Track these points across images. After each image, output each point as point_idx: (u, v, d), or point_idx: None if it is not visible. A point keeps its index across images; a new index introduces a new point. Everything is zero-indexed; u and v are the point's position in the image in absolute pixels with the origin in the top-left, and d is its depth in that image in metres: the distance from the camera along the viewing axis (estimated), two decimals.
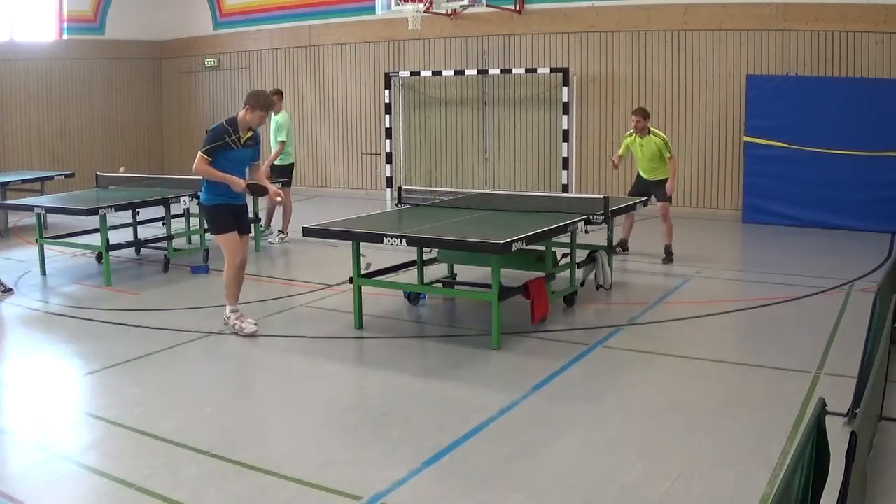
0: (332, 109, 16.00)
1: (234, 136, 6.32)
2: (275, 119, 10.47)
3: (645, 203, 8.82)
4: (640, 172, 9.36)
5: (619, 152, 9.52)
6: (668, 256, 9.13)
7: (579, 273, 7.55)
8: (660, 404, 4.97)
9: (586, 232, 7.35)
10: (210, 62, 17.44)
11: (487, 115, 14.37)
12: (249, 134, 6.44)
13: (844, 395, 4.54)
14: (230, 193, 6.35)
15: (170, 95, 18.36)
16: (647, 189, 9.23)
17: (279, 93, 10.81)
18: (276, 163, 10.59)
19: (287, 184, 10.65)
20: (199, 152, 6.26)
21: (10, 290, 7.98)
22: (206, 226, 6.84)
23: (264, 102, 6.38)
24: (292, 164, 11.02)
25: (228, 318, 6.48)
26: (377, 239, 6.34)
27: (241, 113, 6.33)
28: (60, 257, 9.76)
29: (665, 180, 9.12)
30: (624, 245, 9.57)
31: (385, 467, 4.08)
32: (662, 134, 9.36)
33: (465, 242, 6.19)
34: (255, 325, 6.48)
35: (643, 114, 9.16)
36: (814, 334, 6.25)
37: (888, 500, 3.67)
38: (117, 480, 3.94)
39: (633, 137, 9.22)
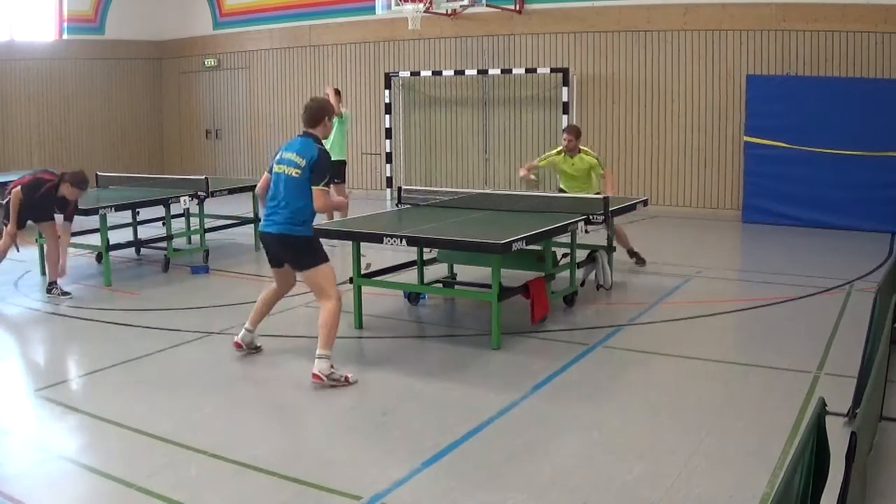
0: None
1: None
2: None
3: (645, 203, 8.81)
4: (564, 189, 8.77)
5: (538, 163, 8.90)
6: (636, 257, 8.78)
7: (579, 273, 7.55)
8: (660, 404, 4.97)
9: (586, 232, 7.35)
10: (210, 62, 17.45)
11: (487, 115, 14.38)
12: None
13: (844, 395, 4.54)
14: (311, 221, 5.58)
15: (170, 95, 18.36)
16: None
17: (338, 92, 10.72)
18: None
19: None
20: (319, 188, 5.33)
21: (68, 293, 7.82)
22: (299, 262, 5.53)
23: (332, 108, 5.76)
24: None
25: (331, 372, 5.29)
26: (377, 239, 6.34)
27: (321, 128, 5.57)
28: None
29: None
30: (635, 254, 8.98)
31: (385, 467, 4.08)
32: (593, 153, 8.84)
33: (465, 242, 6.19)
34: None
35: (576, 132, 8.66)
36: (814, 334, 6.25)
37: (888, 500, 3.67)
38: (117, 480, 3.94)
39: (561, 156, 8.64)
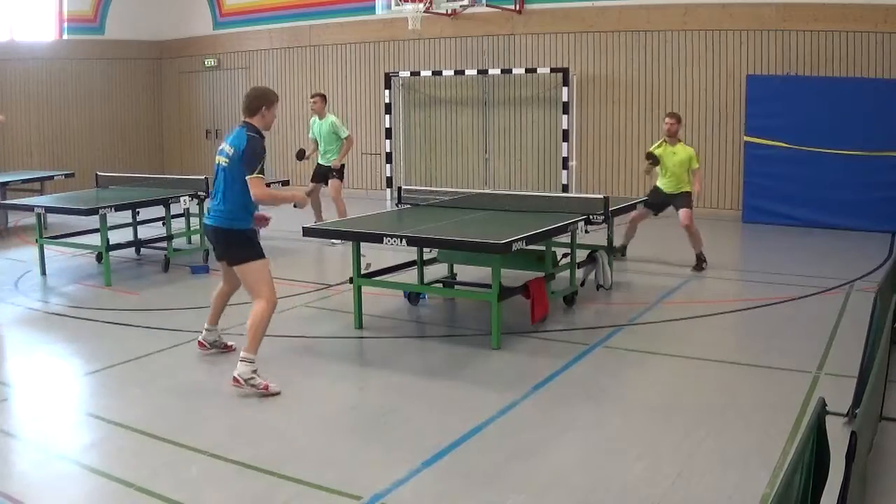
0: (332, 109, 15.93)
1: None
2: (328, 121, 10.59)
3: (645, 203, 8.81)
4: (661, 186, 8.88)
5: (653, 149, 8.82)
6: (699, 264, 8.67)
7: (579, 273, 7.55)
8: (660, 404, 4.97)
9: (586, 232, 7.35)
10: (210, 62, 17.44)
11: (487, 115, 14.37)
12: None
13: (844, 395, 4.54)
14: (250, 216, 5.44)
15: (170, 95, 18.36)
16: (667, 201, 8.85)
17: (322, 96, 10.89)
18: (323, 162, 10.66)
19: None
20: (252, 177, 5.16)
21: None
22: (231, 256, 5.38)
23: (274, 96, 5.51)
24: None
25: (251, 377, 5.11)
26: (377, 239, 6.34)
27: (259, 118, 5.35)
28: (60, 257, 9.76)
29: (686, 192, 8.73)
30: (623, 251, 9.21)
31: (385, 467, 4.08)
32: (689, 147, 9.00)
33: (465, 242, 6.19)
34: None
35: (678, 117, 8.77)
36: (814, 334, 6.25)
37: (888, 500, 3.67)
38: (118, 480, 3.95)
39: (663, 147, 8.75)
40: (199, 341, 5.98)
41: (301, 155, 10.59)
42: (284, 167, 16.09)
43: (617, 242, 8.79)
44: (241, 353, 5.17)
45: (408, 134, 15.12)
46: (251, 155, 5.19)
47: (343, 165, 10.71)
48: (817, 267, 8.72)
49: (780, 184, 11.53)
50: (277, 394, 5.13)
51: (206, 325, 5.96)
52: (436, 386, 5.36)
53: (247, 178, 5.18)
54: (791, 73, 11.68)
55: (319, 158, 10.79)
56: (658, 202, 8.94)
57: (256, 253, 5.32)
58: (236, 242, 5.32)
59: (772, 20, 11.80)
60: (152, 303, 7.60)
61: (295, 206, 5.57)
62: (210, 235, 5.48)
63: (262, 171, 5.22)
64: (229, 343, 6.03)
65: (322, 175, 10.75)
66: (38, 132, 16.16)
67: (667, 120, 8.79)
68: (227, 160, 5.27)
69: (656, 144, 8.91)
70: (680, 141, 8.84)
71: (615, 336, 6.42)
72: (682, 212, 8.67)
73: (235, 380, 5.11)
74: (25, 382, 5.57)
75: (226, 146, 5.34)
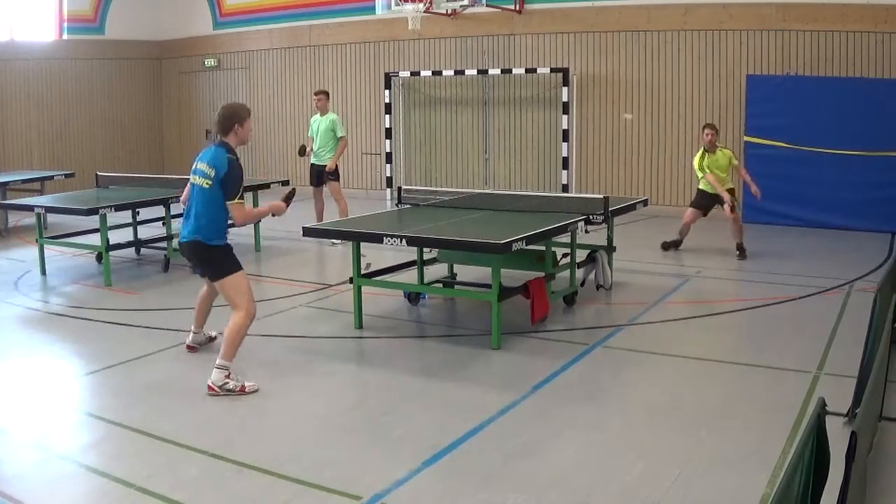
0: (333, 109, 15.93)
1: None
2: (329, 118, 10.65)
3: (645, 203, 8.82)
4: (704, 188, 9.62)
5: (698, 172, 9.54)
6: (742, 253, 9.35)
7: (579, 273, 7.55)
8: (660, 404, 4.97)
9: (586, 232, 7.35)
10: (210, 62, 17.44)
11: (487, 115, 14.37)
12: None
13: (844, 395, 4.54)
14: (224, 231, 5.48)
15: (170, 95, 18.36)
16: (712, 202, 9.60)
17: (326, 93, 11.00)
18: (316, 162, 10.65)
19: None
20: (234, 203, 5.22)
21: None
22: (208, 271, 5.50)
23: (246, 111, 5.51)
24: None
25: (225, 382, 5.17)
26: (377, 239, 6.34)
27: (233, 135, 5.35)
28: (60, 257, 9.76)
29: (729, 189, 9.49)
30: (676, 244, 9.79)
31: (385, 467, 4.08)
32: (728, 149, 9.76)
33: (465, 242, 6.19)
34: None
35: (715, 128, 9.49)
36: (814, 334, 6.25)
37: (888, 500, 3.67)
38: (117, 480, 3.95)
39: (706, 157, 9.42)
40: (187, 345, 6.08)
41: (303, 151, 10.69)
42: (284, 167, 16.11)
43: (669, 238, 9.70)
44: (217, 361, 5.22)
45: (408, 134, 15.12)
46: (235, 180, 5.22)
47: (337, 167, 10.71)
48: (817, 267, 8.73)
49: (780, 184, 11.51)
50: (256, 391, 5.19)
51: (193, 329, 6.07)
52: (436, 386, 5.36)
53: (228, 203, 5.23)
54: (791, 72, 11.68)
55: (313, 157, 10.79)
56: (704, 203, 9.70)
57: (234, 266, 5.38)
58: (215, 258, 5.38)
59: (772, 20, 11.80)
60: (152, 303, 7.60)
61: (274, 215, 5.67)
62: (186, 251, 5.49)
63: (242, 196, 5.29)
64: (213, 334, 6.17)
65: (317, 175, 10.76)
66: (38, 132, 16.16)
67: (706, 132, 9.44)
68: (209, 182, 5.24)
69: (699, 155, 9.54)
70: (719, 147, 9.51)
71: (615, 336, 6.42)
72: (726, 206, 9.38)
73: (210, 387, 5.16)
74: (25, 382, 5.56)
75: (203, 166, 5.29)
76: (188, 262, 5.74)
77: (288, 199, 5.62)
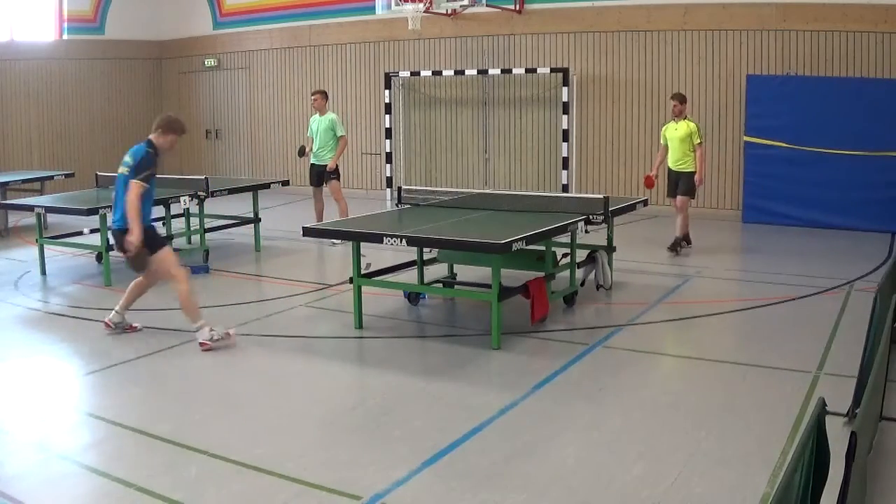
0: (333, 109, 15.93)
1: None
2: (328, 118, 10.65)
3: (645, 203, 8.82)
4: (669, 164, 9.55)
5: (662, 141, 9.68)
6: (675, 247, 9.33)
7: (579, 273, 7.54)
8: (660, 404, 4.97)
9: (586, 232, 7.35)
10: (210, 62, 17.44)
11: (487, 115, 14.37)
12: None
13: (844, 395, 4.54)
14: (147, 217, 6.16)
15: (170, 95, 18.35)
16: (676, 181, 9.49)
17: (323, 93, 11.01)
18: (316, 162, 10.64)
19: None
20: (136, 180, 5.95)
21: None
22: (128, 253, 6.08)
23: (179, 127, 6.34)
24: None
25: (212, 334, 6.03)
26: (377, 239, 6.34)
27: (155, 136, 6.19)
28: (60, 257, 9.76)
29: (692, 173, 9.36)
30: (688, 239, 9.72)
31: (385, 467, 4.08)
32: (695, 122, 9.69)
33: (465, 242, 6.19)
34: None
35: (682, 98, 9.50)
36: (814, 334, 6.25)
37: (888, 500, 3.67)
38: (117, 480, 3.95)
39: (669, 124, 9.54)
40: (105, 321, 6.48)
41: (302, 152, 10.70)
42: (284, 167, 16.11)
43: (678, 240, 9.53)
44: (193, 326, 6.03)
45: (408, 134, 15.12)
46: (144, 164, 6.04)
47: (337, 166, 10.71)
48: (817, 267, 8.72)
49: (780, 184, 11.52)
50: (235, 335, 6.08)
51: (116, 308, 6.45)
52: (436, 386, 5.36)
53: (131, 180, 5.99)
54: (791, 72, 11.68)
55: (312, 157, 10.79)
56: (672, 183, 9.58)
57: (159, 244, 6.24)
58: (145, 239, 6.05)
59: (772, 20, 11.80)
60: (152, 303, 7.59)
61: (128, 239, 6.02)
62: (115, 236, 6.26)
63: (148, 182, 6.04)
64: (134, 324, 6.56)
65: (317, 175, 10.76)
66: (38, 132, 16.16)
67: (672, 102, 9.54)
68: (127, 168, 6.08)
69: (664, 127, 9.62)
70: (686, 118, 9.46)
71: (615, 336, 6.42)
72: (679, 198, 9.39)
73: (203, 344, 5.96)
74: (26, 382, 5.56)
75: (127, 157, 6.15)
76: (117, 249, 6.31)
77: (141, 253, 6.09)
